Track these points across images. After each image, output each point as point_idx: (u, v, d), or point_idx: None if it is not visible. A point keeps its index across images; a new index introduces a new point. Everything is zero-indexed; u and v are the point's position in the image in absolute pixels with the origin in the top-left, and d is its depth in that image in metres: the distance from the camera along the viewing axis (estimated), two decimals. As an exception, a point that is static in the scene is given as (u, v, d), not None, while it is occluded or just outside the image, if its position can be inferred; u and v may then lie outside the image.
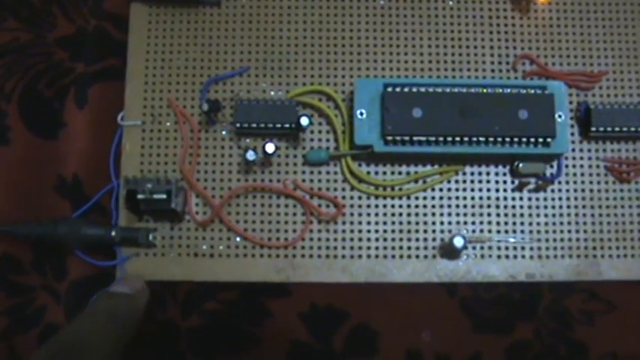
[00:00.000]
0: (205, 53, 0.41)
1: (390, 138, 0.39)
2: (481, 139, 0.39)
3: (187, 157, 0.40)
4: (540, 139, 0.39)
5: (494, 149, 0.39)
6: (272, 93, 0.41)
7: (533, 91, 0.39)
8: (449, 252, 0.39)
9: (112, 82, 0.41)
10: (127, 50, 0.41)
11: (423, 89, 0.39)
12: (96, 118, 0.41)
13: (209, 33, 0.41)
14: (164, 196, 0.37)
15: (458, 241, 0.38)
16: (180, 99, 0.41)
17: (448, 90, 0.39)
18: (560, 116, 0.39)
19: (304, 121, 0.38)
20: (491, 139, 0.39)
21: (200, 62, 0.41)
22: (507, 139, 0.39)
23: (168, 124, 0.40)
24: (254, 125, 0.39)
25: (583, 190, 0.41)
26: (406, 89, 0.39)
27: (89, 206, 0.40)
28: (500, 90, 0.39)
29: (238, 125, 0.39)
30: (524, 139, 0.39)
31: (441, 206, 0.40)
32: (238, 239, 0.39)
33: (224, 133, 0.40)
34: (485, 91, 0.39)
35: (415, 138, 0.39)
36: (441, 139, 0.39)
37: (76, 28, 0.42)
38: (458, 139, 0.39)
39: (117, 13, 0.42)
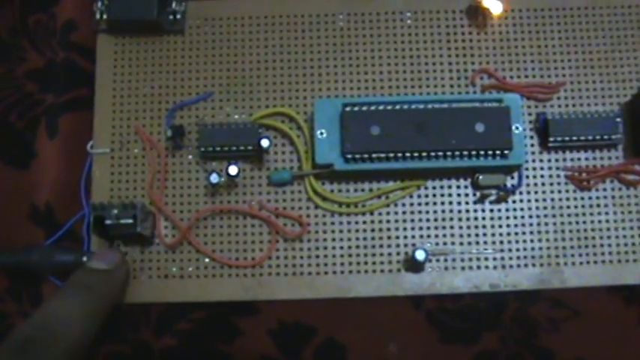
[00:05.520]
0: (170, 80, 0.42)
1: (349, 156, 0.40)
2: (439, 153, 0.40)
3: (155, 182, 0.41)
4: (498, 152, 0.40)
5: (453, 163, 0.40)
6: (236, 117, 0.42)
7: (489, 105, 0.40)
8: (413, 265, 0.40)
9: (81, 111, 0.43)
10: (95, 80, 0.42)
11: (381, 107, 0.40)
12: (66, 147, 0.42)
13: (173, 60, 0.43)
14: (130, 221, 0.38)
15: (420, 255, 0.39)
16: (147, 126, 0.42)
17: (405, 107, 0.40)
18: (517, 128, 0.40)
19: (265, 142, 0.40)
20: (449, 153, 0.40)
21: (165, 89, 0.42)
22: (465, 153, 0.40)
23: (136, 150, 0.42)
24: (218, 149, 0.41)
25: (544, 200, 0.41)
26: (364, 108, 0.40)
27: (62, 234, 0.41)
28: (457, 105, 0.40)
29: (203, 149, 0.41)
30: (481, 152, 0.40)
31: (404, 221, 0.41)
32: (207, 260, 0.41)
33: (190, 157, 0.41)
34: (441, 106, 0.40)
35: (374, 155, 0.40)
36: (400, 155, 0.40)
37: (45, 61, 0.44)
38: (416, 154, 0.40)
39: (84, 44, 0.44)
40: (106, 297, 0.38)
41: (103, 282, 0.38)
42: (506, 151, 0.40)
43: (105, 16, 0.42)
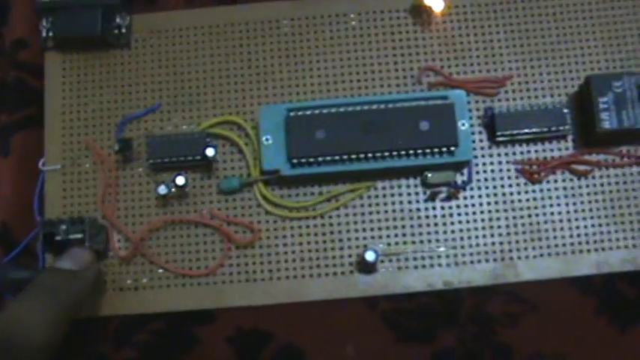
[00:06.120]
0: (119, 94, 0.43)
1: (295, 161, 0.40)
2: (386, 153, 0.40)
3: (107, 196, 0.41)
4: (444, 149, 0.40)
5: (401, 162, 0.40)
6: (185, 127, 0.42)
7: (433, 102, 0.40)
8: (365, 266, 0.40)
9: (33, 129, 0.43)
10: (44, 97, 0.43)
11: (325, 110, 0.40)
12: (19, 165, 0.43)
13: (121, 75, 0.43)
14: (80, 236, 0.39)
15: (369, 255, 0.39)
16: (98, 140, 0.42)
17: (350, 108, 0.40)
18: (463, 124, 0.40)
19: (210, 152, 0.40)
20: (395, 153, 0.40)
21: (114, 103, 0.43)
22: (412, 152, 0.40)
23: (87, 165, 0.42)
24: (167, 160, 0.41)
25: (495, 195, 0.41)
26: (309, 112, 0.40)
27: (18, 252, 0.41)
28: (401, 104, 0.40)
29: (152, 161, 0.41)
30: (428, 150, 0.40)
31: (355, 222, 0.41)
32: (160, 271, 0.41)
33: (140, 170, 0.42)
34: (386, 106, 0.40)
35: (321, 159, 0.40)
36: (346, 157, 0.40)
37: (-3, 81, 0.44)
38: (363, 155, 0.40)
39: (33, 62, 0.44)
40: (72, 301, 0.36)
41: (69, 284, 0.36)
42: (452, 148, 0.40)
43: (51, 34, 0.42)
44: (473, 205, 0.41)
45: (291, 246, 0.41)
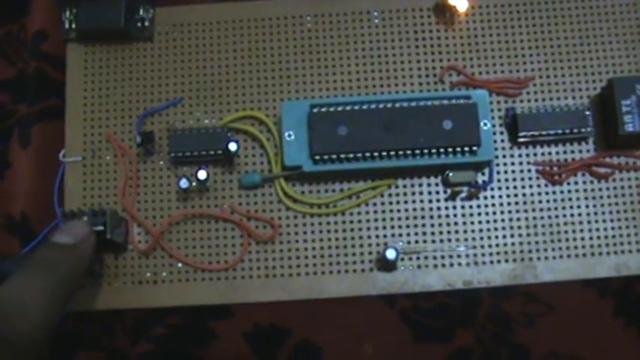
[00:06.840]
0: (140, 87, 0.43)
1: (318, 157, 0.40)
2: (408, 152, 0.40)
3: (127, 189, 0.41)
4: (466, 148, 0.40)
5: (422, 161, 0.40)
6: (206, 121, 0.42)
7: (456, 102, 0.40)
8: (385, 264, 0.40)
9: (53, 121, 0.43)
10: (65, 89, 0.43)
11: (348, 107, 0.40)
12: (40, 156, 0.43)
13: (143, 67, 0.43)
14: (101, 228, 0.38)
15: (390, 253, 0.39)
16: (119, 133, 0.42)
17: (373, 106, 0.40)
18: (485, 124, 0.40)
19: (232, 146, 0.40)
20: (417, 151, 0.40)
21: (136, 96, 0.43)
22: (434, 151, 0.40)
23: (108, 157, 0.42)
24: (188, 154, 0.41)
25: (516, 195, 0.41)
26: (332, 108, 0.40)
27: (37, 242, 0.41)
28: (424, 102, 0.40)
29: (173, 155, 0.41)
30: (450, 149, 0.40)
31: (376, 220, 0.41)
32: (180, 265, 0.41)
33: (161, 163, 0.42)
34: (408, 104, 0.40)
35: (343, 155, 0.40)
36: (368, 154, 0.40)
37: (17, 72, 0.44)
38: (385, 153, 0.40)
39: (54, 54, 0.44)
40: (71, 276, 0.34)
41: (68, 259, 0.34)
42: (474, 148, 0.40)
43: (74, 26, 0.42)
44: (493, 205, 0.41)
45: (311, 242, 0.41)
